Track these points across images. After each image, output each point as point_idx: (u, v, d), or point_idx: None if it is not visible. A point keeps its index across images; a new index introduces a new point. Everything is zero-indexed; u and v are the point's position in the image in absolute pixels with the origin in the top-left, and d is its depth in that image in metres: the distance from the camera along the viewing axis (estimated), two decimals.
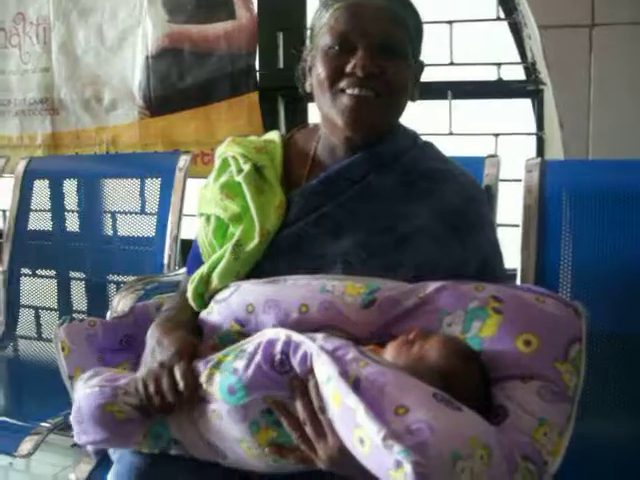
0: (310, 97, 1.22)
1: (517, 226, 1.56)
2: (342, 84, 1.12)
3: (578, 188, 1.53)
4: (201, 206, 1.25)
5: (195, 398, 1.00)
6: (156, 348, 1.08)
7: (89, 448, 1.19)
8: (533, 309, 1.01)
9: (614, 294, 1.44)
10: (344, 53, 1.12)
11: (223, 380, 0.96)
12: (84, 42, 2.51)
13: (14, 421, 1.57)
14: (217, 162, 1.27)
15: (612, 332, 1.41)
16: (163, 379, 1.02)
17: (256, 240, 1.14)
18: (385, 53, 1.12)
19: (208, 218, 1.23)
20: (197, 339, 1.11)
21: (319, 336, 0.94)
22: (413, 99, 1.21)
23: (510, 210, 1.64)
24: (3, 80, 2.68)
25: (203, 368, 1.00)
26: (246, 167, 1.20)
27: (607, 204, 1.49)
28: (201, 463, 1.04)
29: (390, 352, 0.98)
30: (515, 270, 1.51)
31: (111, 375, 1.09)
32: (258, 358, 0.94)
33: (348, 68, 1.11)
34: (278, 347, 0.94)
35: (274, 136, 1.30)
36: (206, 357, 1.02)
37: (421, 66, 1.22)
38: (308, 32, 1.20)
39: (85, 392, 1.06)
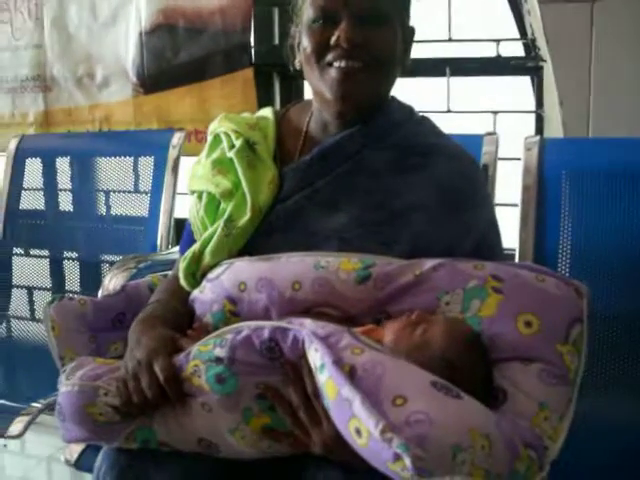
0: (301, 74, 1.19)
1: (515, 205, 1.54)
2: (329, 57, 1.10)
3: (578, 167, 1.52)
4: (192, 183, 1.23)
5: (178, 393, 0.96)
6: (135, 347, 1.04)
7: None
8: (533, 289, 0.98)
9: (613, 274, 1.43)
10: (328, 26, 1.10)
11: (209, 370, 0.93)
12: (77, 18, 2.47)
13: (6, 402, 1.56)
14: (209, 138, 1.25)
15: (612, 311, 1.39)
16: (142, 376, 0.98)
17: (248, 215, 1.12)
18: (370, 22, 1.09)
19: (200, 195, 1.20)
20: (179, 334, 1.06)
21: (308, 321, 0.92)
22: (404, 67, 1.18)
23: (509, 189, 1.62)
24: None
25: (185, 361, 0.97)
26: (238, 143, 1.18)
27: (607, 183, 1.48)
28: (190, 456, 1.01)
29: (390, 335, 0.95)
30: (513, 250, 1.50)
31: (94, 369, 1.04)
32: (243, 346, 0.91)
33: (333, 40, 1.09)
34: (266, 334, 0.91)
35: (267, 112, 1.28)
36: (190, 347, 0.98)
37: (411, 32, 1.19)
38: (292, 8, 1.18)
39: (66, 390, 1.02)
